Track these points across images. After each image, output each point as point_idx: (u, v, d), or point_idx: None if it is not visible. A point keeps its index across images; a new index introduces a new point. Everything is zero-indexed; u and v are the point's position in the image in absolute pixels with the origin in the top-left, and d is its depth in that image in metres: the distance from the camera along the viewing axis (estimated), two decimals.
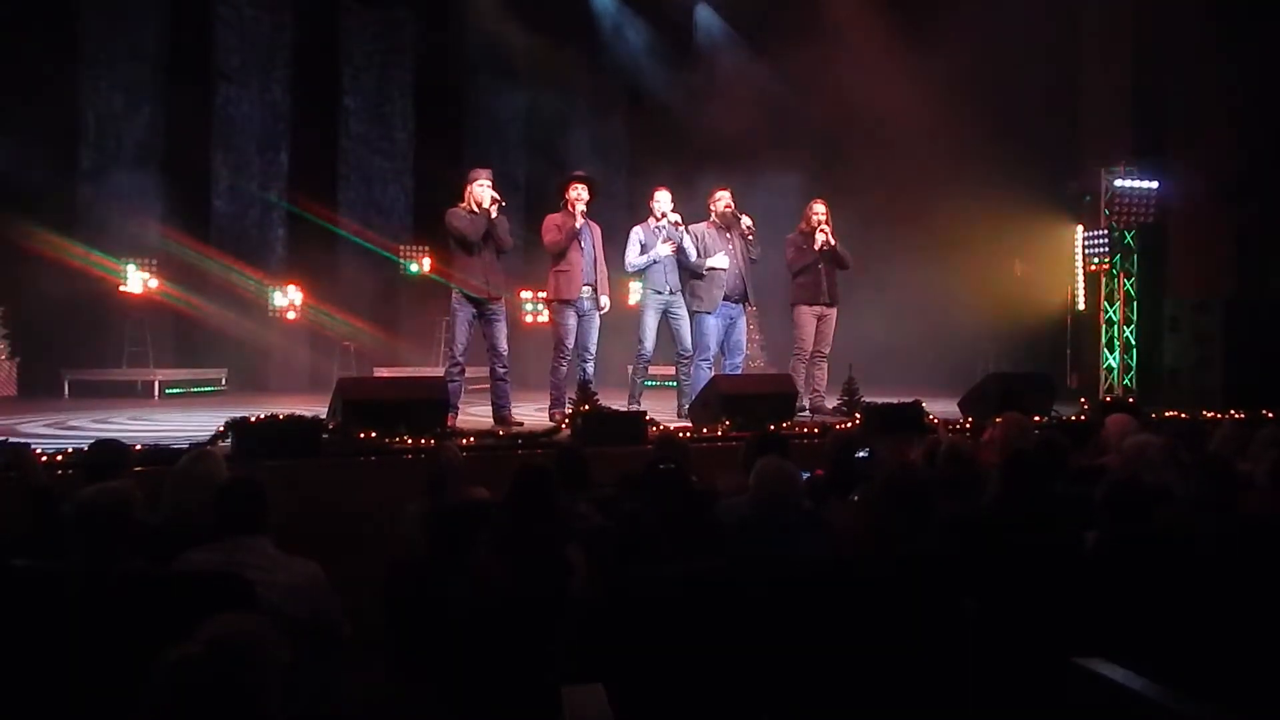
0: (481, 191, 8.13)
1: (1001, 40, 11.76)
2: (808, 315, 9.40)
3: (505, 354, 8.36)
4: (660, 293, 8.95)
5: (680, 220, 8.99)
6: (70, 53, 12.41)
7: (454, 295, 8.27)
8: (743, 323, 9.57)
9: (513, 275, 9.96)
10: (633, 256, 8.94)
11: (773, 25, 13.94)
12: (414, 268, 14.32)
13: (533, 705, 3.16)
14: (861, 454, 4.95)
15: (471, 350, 8.40)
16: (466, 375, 8.48)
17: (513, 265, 10.20)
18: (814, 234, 9.33)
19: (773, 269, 9.79)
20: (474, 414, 8.86)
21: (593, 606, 3.38)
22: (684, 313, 9.07)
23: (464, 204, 8.20)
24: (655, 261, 8.88)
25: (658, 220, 8.99)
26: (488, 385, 8.53)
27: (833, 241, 9.28)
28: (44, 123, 11.87)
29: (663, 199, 9.03)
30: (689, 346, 9.13)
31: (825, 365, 9.50)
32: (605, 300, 8.77)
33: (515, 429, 7.92)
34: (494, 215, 8.14)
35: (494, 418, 8.31)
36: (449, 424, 7.86)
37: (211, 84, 13.52)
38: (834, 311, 9.48)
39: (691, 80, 14.55)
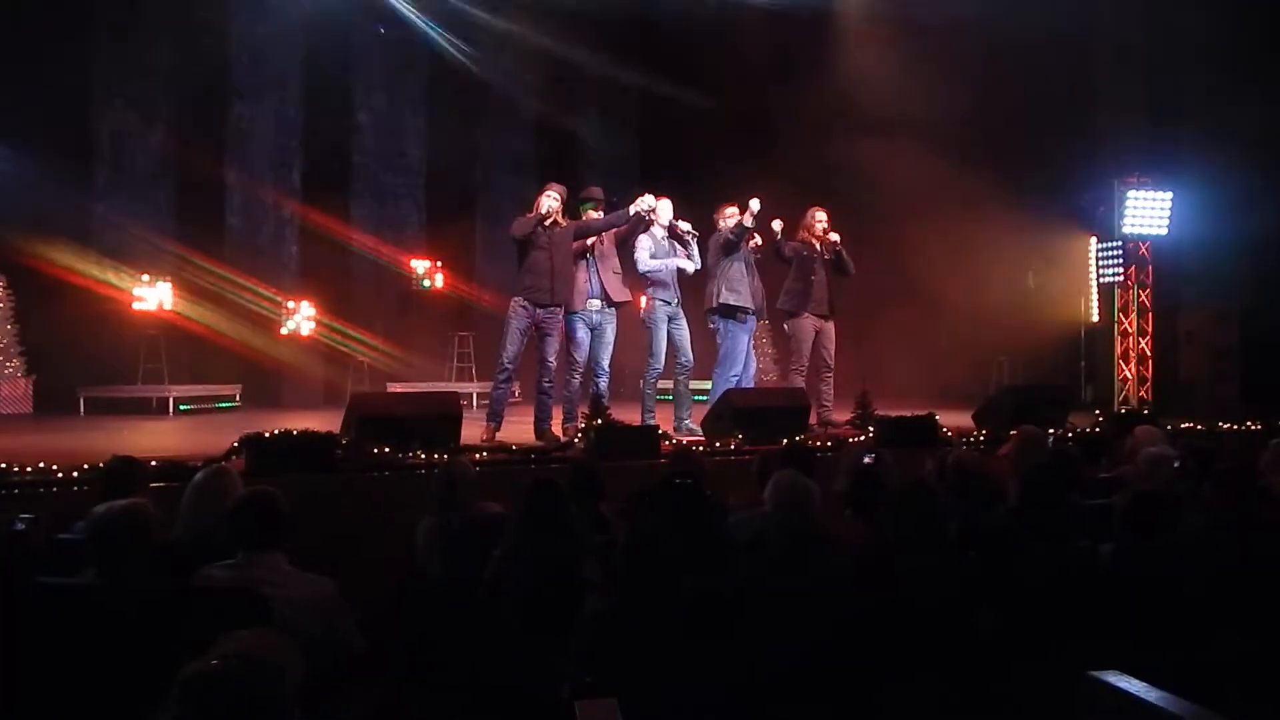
0: (542, 200, 8.29)
1: (1015, 51, 11.76)
2: (807, 328, 9.36)
3: (552, 367, 8.43)
4: (669, 304, 8.95)
5: (693, 229, 9.02)
6: (84, 70, 12.50)
7: (512, 303, 8.33)
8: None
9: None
10: (644, 260, 8.91)
11: (776, 30, 13.94)
12: (426, 283, 14.36)
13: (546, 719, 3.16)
14: (868, 459, 4.92)
15: (523, 360, 8.55)
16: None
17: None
18: (818, 241, 9.31)
19: (782, 280, 9.72)
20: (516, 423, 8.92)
21: (607, 620, 3.38)
22: (685, 323, 9.08)
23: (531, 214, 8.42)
24: (664, 269, 8.89)
25: (664, 230, 8.99)
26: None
27: (836, 245, 9.26)
28: (58, 140, 11.94)
29: (664, 209, 9.04)
30: (691, 357, 9.12)
31: (832, 379, 9.46)
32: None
33: (552, 443, 7.90)
34: (547, 222, 8.22)
35: (535, 431, 8.30)
36: (490, 435, 7.93)
37: (225, 101, 13.60)
38: (832, 324, 9.43)
39: (697, 92, 14.56)
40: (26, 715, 3.09)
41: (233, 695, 1.93)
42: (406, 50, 14.71)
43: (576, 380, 8.65)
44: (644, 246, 8.91)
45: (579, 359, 8.61)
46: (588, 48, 14.73)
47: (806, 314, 9.32)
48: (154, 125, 13.01)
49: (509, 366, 8.35)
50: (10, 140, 11.55)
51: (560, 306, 8.41)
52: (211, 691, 1.92)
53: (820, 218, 9.38)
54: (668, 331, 8.98)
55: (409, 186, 14.88)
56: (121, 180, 12.86)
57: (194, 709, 1.91)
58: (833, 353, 9.41)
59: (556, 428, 8.40)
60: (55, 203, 11.70)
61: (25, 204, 11.38)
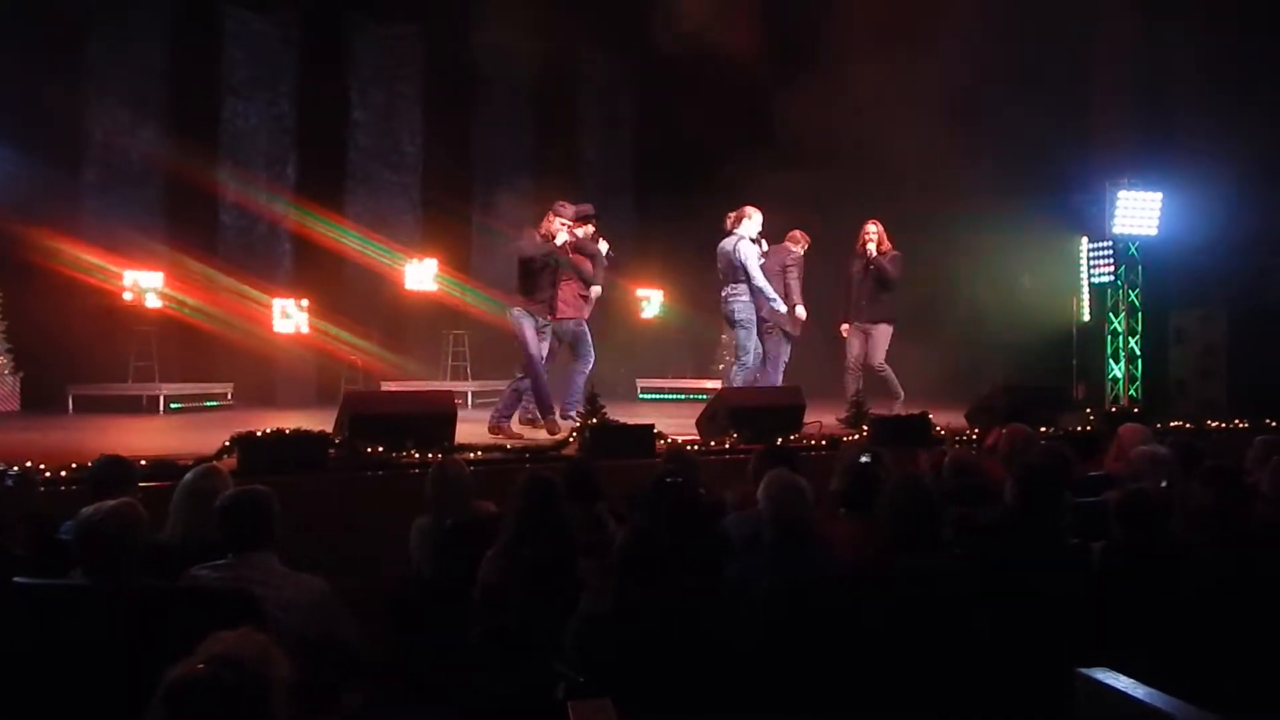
0: (559, 230, 8.74)
1: (1008, 52, 11.75)
2: (850, 333, 10.01)
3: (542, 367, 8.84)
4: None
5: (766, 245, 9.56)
6: (75, 67, 12.43)
7: (514, 313, 8.69)
8: None
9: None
10: (757, 271, 9.33)
11: (773, 36, 13.92)
12: (421, 281, 14.29)
13: None
14: (865, 459, 4.92)
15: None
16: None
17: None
18: (861, 251, 9.80)
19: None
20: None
21: (601, 620, 3.37)
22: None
23: (540, 229, 8.80)
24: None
25: (758, 244, 9.45)
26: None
27: (872, 257, 9.69)
28: (49, 137, 11.88)
29: (756, 220, 9.48)
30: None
31: (860, 378, 9.88)
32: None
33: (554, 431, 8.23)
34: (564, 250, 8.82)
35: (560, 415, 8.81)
36: (554, 428, 8.40)
37: (218, 98, 13.53)
38: (878, 328, 9.86)
39: (697, 96, 14.54)
40: (14, 718, 3.08)
41: (218, 697, 1.92)
42: (403, 46, 14.66)
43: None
44: (754, 256, 9.35)
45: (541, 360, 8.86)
46: (588, 44, 14.74)
47: (852, 321, 9.99)
48: (145, 122, 12.94)
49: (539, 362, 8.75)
50: (0, 136, 11.50)
51: (551, 318, 8.88)
52: (196, 696, 1.91)
53: (868, 230, 9.89)
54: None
55: (404, 184, 14.81)
56: (112, 177, 12.78)
57: (179, 711, 1.90)
58: (864, 355, 9.91)
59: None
60: (45, 199, 11.62)
61: (14, 200, 11.32)
